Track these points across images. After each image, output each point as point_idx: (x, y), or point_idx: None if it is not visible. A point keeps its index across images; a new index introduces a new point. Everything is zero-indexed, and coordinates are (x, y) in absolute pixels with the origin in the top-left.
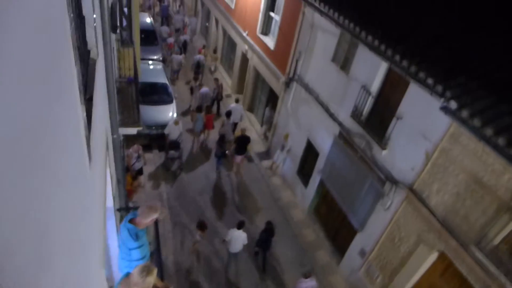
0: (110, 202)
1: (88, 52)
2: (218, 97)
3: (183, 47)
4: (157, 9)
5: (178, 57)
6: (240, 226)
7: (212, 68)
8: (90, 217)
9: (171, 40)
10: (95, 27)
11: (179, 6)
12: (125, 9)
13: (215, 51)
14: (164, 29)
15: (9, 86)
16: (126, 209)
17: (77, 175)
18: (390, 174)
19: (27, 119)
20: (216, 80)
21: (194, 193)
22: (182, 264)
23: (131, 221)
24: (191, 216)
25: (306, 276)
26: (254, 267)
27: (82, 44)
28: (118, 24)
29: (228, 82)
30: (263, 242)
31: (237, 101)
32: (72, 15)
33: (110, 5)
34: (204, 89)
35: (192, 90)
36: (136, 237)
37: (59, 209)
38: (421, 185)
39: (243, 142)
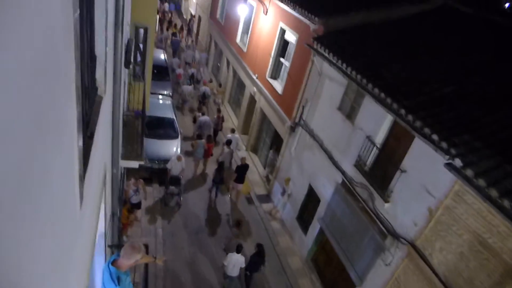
0: (101, 239)
1: (96, 89)
2: (218, 128)
3: (191, 79)
4: (169, 41)
5: (188, 88)
6: (238, 250)
7: (218, 101)
8: (74, 259)
9: (180, 71)
10: (105, 65)
11: (192, 42)
12: (141, 45)
13: (220, 85)
14: (176, 61)
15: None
16: (118, 246)
17: (64, 218)
18: (392, 228)
19: (17, 159)
20: (218, 111)
21: (190, 230)
22: None
23: (113, 262)
24: (185, 254)
25: None
26: None
27: (90, 82)
28: (132, 59)
29: (234, 122)
30: (253, 265)
31: (233, 131)
32: (79, 57)
33: (126, 41)
34: (204, 117)
35: (195, 119)
36: (118, 280)
37: (36, 251)
38: (424, 242)
39: (242, 171)
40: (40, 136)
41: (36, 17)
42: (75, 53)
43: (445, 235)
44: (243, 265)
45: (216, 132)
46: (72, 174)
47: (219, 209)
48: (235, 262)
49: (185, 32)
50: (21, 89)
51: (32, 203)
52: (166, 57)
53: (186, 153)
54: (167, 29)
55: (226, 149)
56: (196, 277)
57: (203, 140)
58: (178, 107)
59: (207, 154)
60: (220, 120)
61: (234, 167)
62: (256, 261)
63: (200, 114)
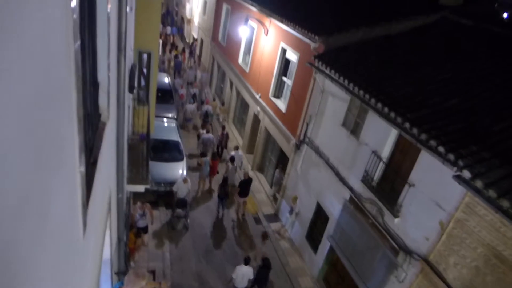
0: (106, 266)
1: (99, 115)
2: (222, 145)
3: (193, 98)
4: (172, 63)
5: (191, 107)
6: (246, 262)
7: (221, 119)
8: None
9: (182, 91)
10: (108, 91)
11: (194, 63)
12: (145, 69)
13: (223, 104)
14: (178, 82)
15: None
16: (125, 273)
17: (66, 248)
18: (404, 244)
19: (16, 187)
20: (223, 128)
21: (198, 252)
22: None
23: None
24: (193, 278)
25: None
26: None
27: (93, 109)
28: (136, 84)
29: (239, 142)
30: (261, 278)
31: (236, 148)
32: (81, 86)
33: (129, 66)
34: (207, 135)
35: (199, 137)
36: None
37: (38, 283)
38: (437, 257)
39: (246, 185)
40: (40, 164)
41: (36, 46)
42: (77, 82)
43: (459, 249)
44: (252, 277)
45: (221, 149)
46: (75, 201)
47: (225, 225)
48: (244, 274)
49: (187, 54)
50: (21, 117)
51: (32, 232)
52: (169, 81)
53: (190, 168)
54: (170, 51)
55: (230, 165)
56: None
57: (208, 158)
58: (182, 126)
59: (213, 171)
60: (224, 137)
61: (237, 183)
62: (262, 275)
63: (204, 131)
